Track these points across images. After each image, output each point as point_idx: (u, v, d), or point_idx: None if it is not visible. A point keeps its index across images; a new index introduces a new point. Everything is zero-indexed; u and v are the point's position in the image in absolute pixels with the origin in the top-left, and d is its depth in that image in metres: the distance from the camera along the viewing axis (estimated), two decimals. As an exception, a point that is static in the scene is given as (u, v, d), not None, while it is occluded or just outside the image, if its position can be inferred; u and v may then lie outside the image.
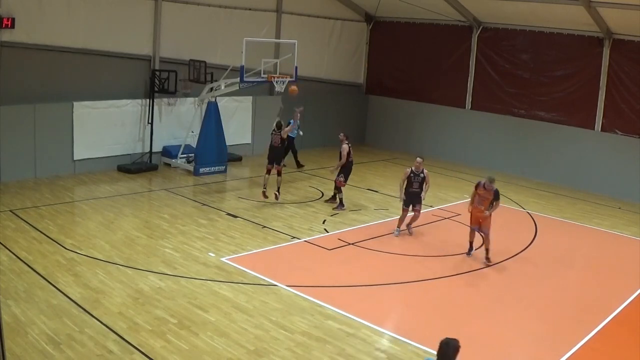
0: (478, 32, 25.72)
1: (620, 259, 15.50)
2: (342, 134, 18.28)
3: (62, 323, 9.92)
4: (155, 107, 21.29)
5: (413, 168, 15.67)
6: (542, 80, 24.17)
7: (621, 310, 12.14)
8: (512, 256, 14.85)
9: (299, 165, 22.88)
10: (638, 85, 22.13)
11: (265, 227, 15.76)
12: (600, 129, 23.10)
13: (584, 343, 10.58)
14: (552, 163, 23.70)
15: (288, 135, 19.25)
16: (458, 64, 26.39)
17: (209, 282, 12.08)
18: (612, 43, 22.46)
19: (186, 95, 22.06)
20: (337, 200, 17.78)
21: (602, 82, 22.84)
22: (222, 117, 21.33)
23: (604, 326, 11.36)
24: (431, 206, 18.39)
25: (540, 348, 10.39)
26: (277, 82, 19.91)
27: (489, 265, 13.98)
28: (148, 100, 21.12)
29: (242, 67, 19.07)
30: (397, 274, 13.26)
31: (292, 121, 20.85)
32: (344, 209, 17.55)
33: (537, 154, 24.05)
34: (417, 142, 27.00)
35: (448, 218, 17.76)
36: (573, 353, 10.18)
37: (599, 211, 19.95)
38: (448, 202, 19.48)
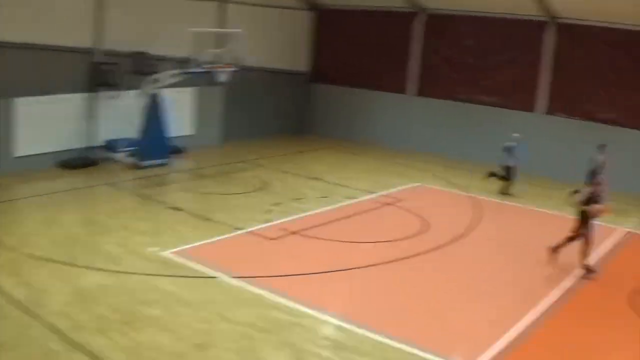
0: (422, 18, 26.01)
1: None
2: None
3: (4, 325, 9.80)
4: (98, 101, 21.01)
5: None
6: (486, 65, 24.63)
7: (566, 289, 12.56)
8: (456, 239, 15.19)
9: None
10: (580, 68, 22.78)
11: (208, 219, 15.75)
12: (544, 112, 23.76)
13: (532, 321, 10.92)
14: (496, 146, 24.11)
15: None
16: (402, 51, 26.64)
17: (152, 276, 12.03)
18: (557, 27, 23.03)
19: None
20: None
21: (544, 65, 23.43)
22: (164, 109, 21.15)
23: (550, 305, 11.73)
24: (373, 192, 18.61)
25: (486, 328, 10.66)
26: (219, 72, 19.85)
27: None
28: (90, 94, 20.81)
29: (185, 58, 18.94)
30: (341, 261, 13.37)
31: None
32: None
33: (481, 138, 24.48)
34: (362, 129, 27.28)
35: (390, 204, 17.99)
36: (520, 333, 10.47)
37: (543, 193, 20.49)
38: (390, 188, 19.74)
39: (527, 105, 23.89)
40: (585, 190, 13.55)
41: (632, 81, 22.14)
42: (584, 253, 13.29)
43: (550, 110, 23.63)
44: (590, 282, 13.06)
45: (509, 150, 19.92)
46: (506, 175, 20.02)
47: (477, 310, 11.37)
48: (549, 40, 23.41)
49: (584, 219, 13.24)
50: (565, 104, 23.37)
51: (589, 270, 13.32)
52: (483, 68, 24.76)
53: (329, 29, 28.71)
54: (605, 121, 22.50)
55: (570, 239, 13.56)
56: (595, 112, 22.79)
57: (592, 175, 18.07)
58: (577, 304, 12.07)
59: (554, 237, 14.01)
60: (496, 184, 20.10)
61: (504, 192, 19.99)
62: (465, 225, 16.38)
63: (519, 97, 24.02)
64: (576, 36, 23.01)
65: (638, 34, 22.02)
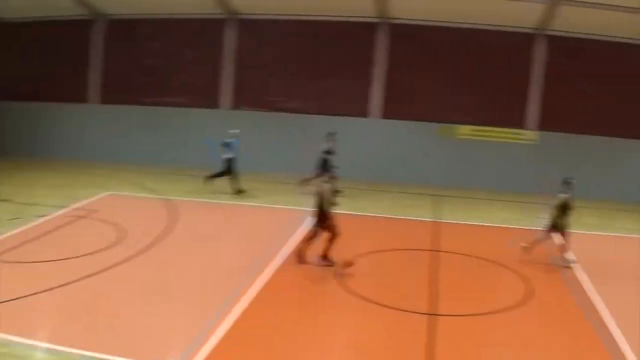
0: (101, 24, 25.18)
1: (260, 227, 16.66)
2: None
3: None
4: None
5: None
6: (171, 66, 24.65)
7: (269, 275, 12.85)
8: (154, 244, 14.75)
9: None
10: (263, 62, 23.98)
11: None
12: (229, 107, 24.61)
13: (238, 313, 10.89)
14: (183, 147, 24.39)
15: None
16: (81, 59, 25.61)
17: None
18: (238, 24, 23.92)
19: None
20: None
21: (227, 62, 24.29)
22: None
23: (254, 296, 11.78)
24: (66, 207, 17.66)
25: (189, 327, 10.36)
26: None
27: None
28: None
29: None
30: (41, 282, 12.02)
31: None
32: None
33: (171, 140, 24.45)
34: (48, 144, 25.89)
35: (84, 217, 17.12)
36: (226, 326, 10.37)
37: (272, 188, 21.24)
38: (83, 200, 18.79)
39: (213, 103, 24.36)
40: (330, 185, 13.66)
41: (315, 71, 24.01)
42: (331, 244, 13.45)
43: (235, 106, 24.39)
44: (299, 267, 13.55)
45: (227, 145, 20.10)
46: (228, 170, 20.17)
47: (179, 311, 11.02)
48: (231, 37, 24.05)
49: (326, 213, 13.42)
50: (250, 97, 24.34)
51: (326, 260, 13.51)
52: (168, 70, 24.68)
53: (6, 44, 26.48)
54: (291, 110, 23.97)
55: (311, 237, 13.59)
56: (278, 103, 24.19)
57: (325, 164, 19.46)
58: (284, 289, 12.34)
59: (253, 227, 14.25)
60: (187, 184, 20.13)
61: (239, 191, 20.21)
62: (162, 228, 16.03)
63: (204, 95, 24.40)
64: (256, 31, 23.98)
65: (318, 24, 23.89)
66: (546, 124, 24.44)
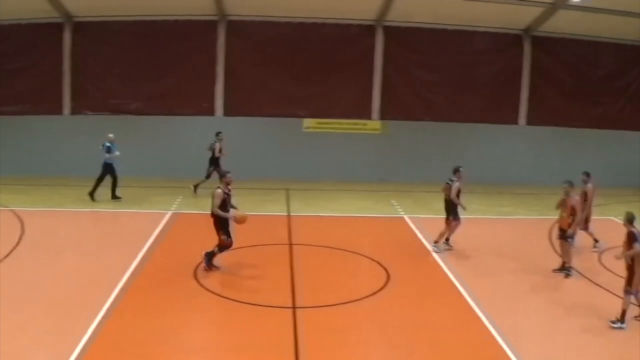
0: None
1: (114, 233, 16.39)
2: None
3: None
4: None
5: None
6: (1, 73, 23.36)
7: (129, 282, 12.55)
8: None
9: None
10: (100, 65, 23.60)
11: None
12: (69, 112, 24.00)
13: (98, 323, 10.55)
14: (27, 155, 23.31)
15: None
16: None
17: None
18: (72, 27, 22.82)
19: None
20: None
21: (65, 67, 23.51)
22: None
23: (116, 300, 11.55)
24: None
25: (52, 340, 9.86)
26: None
27: None
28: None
29: None
30: None
31: None
32: None
33: (10, 151, 23.34)
34: None
35: None
36: (89, 336, 10.01)
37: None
38: None
39: (55, 109, 23.51)
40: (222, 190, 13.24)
41: (155, 71, 23.76)
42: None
43: (76, 110, 23.55)
44: (153, 268, 13.43)
45: (108, 149, 19.65)
46: (104, 175, 19.87)
47: (36, 327, 10.33)
48: (67, 41, 23.22)
49: (221, 223, 13.14)
50: (91, 102, 23.57)
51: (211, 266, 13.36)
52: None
53: None
54: (129, 112, 23.47)
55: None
56: (121, 105, 23.68)
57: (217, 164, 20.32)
58: (145, 293, 12.09)
59: (108, 234, 13.73)
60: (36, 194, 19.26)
61: (115, 197, 19.96)
62: (9, 241, 15.04)
63: (45, 102, 23.42)
64: (90, 34, 23.25)
65: (157, 24, 23.69)
66: (388, 113, 25.33)
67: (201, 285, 12.50)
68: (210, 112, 24.89)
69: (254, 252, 15.00)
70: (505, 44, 25.81)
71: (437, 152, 25.33)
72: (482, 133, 25.93)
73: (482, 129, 25.89)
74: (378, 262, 14.23)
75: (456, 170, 15.34)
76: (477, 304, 11.83)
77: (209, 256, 13.33)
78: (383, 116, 25.51)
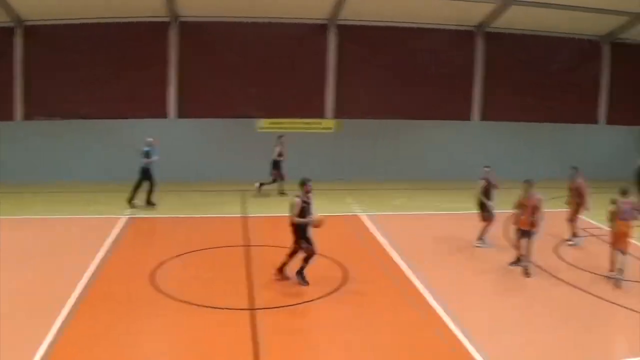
0: None
1: (69, 239, 15.93)
2: None
3: None
4: None
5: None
6: None
7: (84, 289, 12.29)
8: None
9: None
10: (54, 69, 23.12)
11: None
12: (23, 118, 23.70)
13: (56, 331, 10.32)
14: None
15: None
16: None
17: None
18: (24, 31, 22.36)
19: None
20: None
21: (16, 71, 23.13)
22: None
23: (71, 307, 11.30)
24: None
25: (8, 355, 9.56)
26: None
27: None
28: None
29: None
30: None
31: None
32: None
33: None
34: None
35: None
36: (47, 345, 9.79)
37: None
38: None
39: (5, 115, 23.27)
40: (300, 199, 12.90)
41: (109, 75, 23.61)
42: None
43: (29, 116, 23.26)
44: (109, 274, 13.21)
45: (146, 153, 19.45)
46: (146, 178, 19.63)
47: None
48: (18, 46, 22.83)
49: (301, 231, 12.83)
50: (43, 107, 23.19)
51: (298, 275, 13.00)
52: None
53: None
54: (82, 116, 23.13)
55: (292, 254, 13.03)
56: (74, 110, 23.42)
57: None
58: (101, 302, 11.78)
59: (63, 240, 13.38)
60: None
61: (150, 203, 19.69)
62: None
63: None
64: (41, 38, 22.98)
65: (110, 26, 23.41)
66: (342, 111, 25.36)
67: (159, 291, 12.32)
68: (163, 114, 24.57)
69: (210, 255, 14.88)
70: (458, 40, 26.07)
71: (391, 150, 25.50)
72: (436, 130, 26.12)
73: (436, 125, 26.07)
74: (335, 261, 14.18)
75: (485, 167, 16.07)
76: (436, 300, 11.89)
77: (301, 274, 12.98)
78: (337, 115, 25.53)
